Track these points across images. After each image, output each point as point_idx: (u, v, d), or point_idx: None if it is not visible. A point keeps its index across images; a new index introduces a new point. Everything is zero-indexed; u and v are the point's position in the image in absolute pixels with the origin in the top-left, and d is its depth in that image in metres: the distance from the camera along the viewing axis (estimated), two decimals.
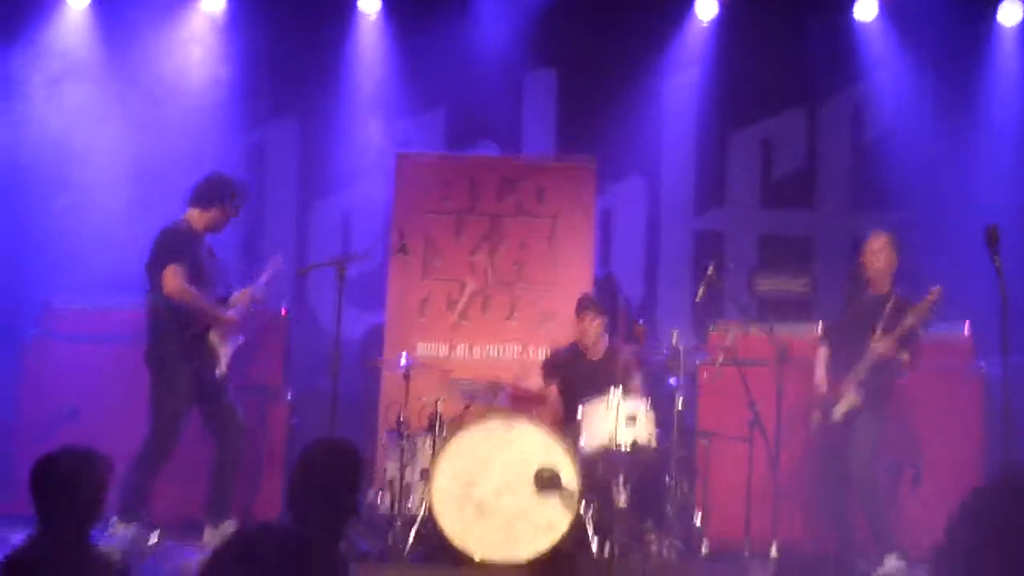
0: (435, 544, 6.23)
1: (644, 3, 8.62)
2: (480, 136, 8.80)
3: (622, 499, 6.23)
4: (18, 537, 3.60)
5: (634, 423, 6.33)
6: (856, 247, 7.69)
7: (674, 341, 6.61)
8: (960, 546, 1.77)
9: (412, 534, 6.25)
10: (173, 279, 6.43)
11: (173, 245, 6.51)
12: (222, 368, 6.57)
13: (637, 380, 6.94)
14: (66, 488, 3.56)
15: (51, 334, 7.59)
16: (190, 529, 6.63)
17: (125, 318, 7.43)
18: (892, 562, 6.25)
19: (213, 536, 6.40)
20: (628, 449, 6.28)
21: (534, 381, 7.25)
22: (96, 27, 8.51)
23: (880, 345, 6.40)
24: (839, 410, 6.48)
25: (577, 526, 6.16)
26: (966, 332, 7.30)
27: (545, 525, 6.17)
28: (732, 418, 6.72)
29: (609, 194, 8.66)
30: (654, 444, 6.39)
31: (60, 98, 8.31)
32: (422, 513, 6.32)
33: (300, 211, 8.87)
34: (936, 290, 6.32)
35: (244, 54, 8.60)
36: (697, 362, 7.08)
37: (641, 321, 7.27)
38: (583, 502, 6.20)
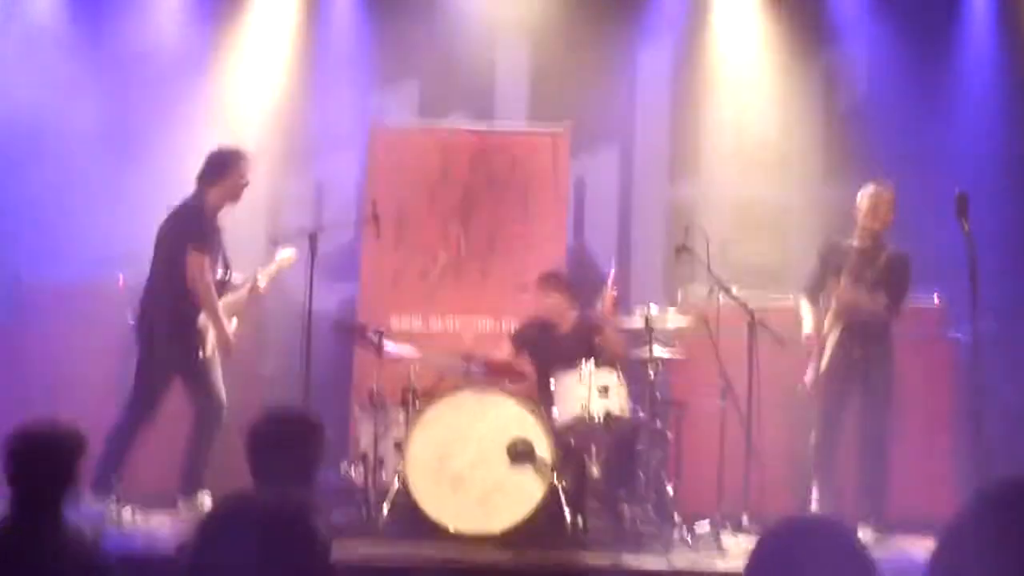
0: (409, 516, 6.24)
1: None
2: (453, 107, 8.75)
3: (595, 469, 6.25)
4: None
5: (607, 394, 6.35)
6: (829, 215, 7.75)
7: (647, 312, 6.61)
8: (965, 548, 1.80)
9: (386, 506, 6.27)
10: (197, 268, 6.48)
11: (200, 230, 6.54)
12: (206, 351, 6.55)
13: (619, 349, 6.93)
14: (39, 463, 3.55)
15: (23, 310, 7.53)
16: (163, 502, 6.62)
17: (98, 293, 7.40)
18: (868, 534, 6.30)
19: (187, 509, 6.41)
20: (601, 420, 6.30)
21: (504, 352, 7.25)
22: None
23: (848, 295, 6.56)
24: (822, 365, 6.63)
25: (551, 496, 6.18)
26: (936, 301, 7.35)
27: (519, 497, 6.19)
28: (704, 387, 6.75)
29: (582, 163, 8.63)
30: (627, 414, 6.41)
31: (33, 68, 8.22)
32: (396, 485, 6.33)
33: (272, 182, 8.80)
34: None
35: (216, 25, 8.53)
36: (669, 331, 7.08)
37: (614, 290, 7.25)
38: (557, 473, 6.22)
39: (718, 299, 6.96)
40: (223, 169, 6.70)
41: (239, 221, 7.14)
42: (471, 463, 6.28)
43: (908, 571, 5.02)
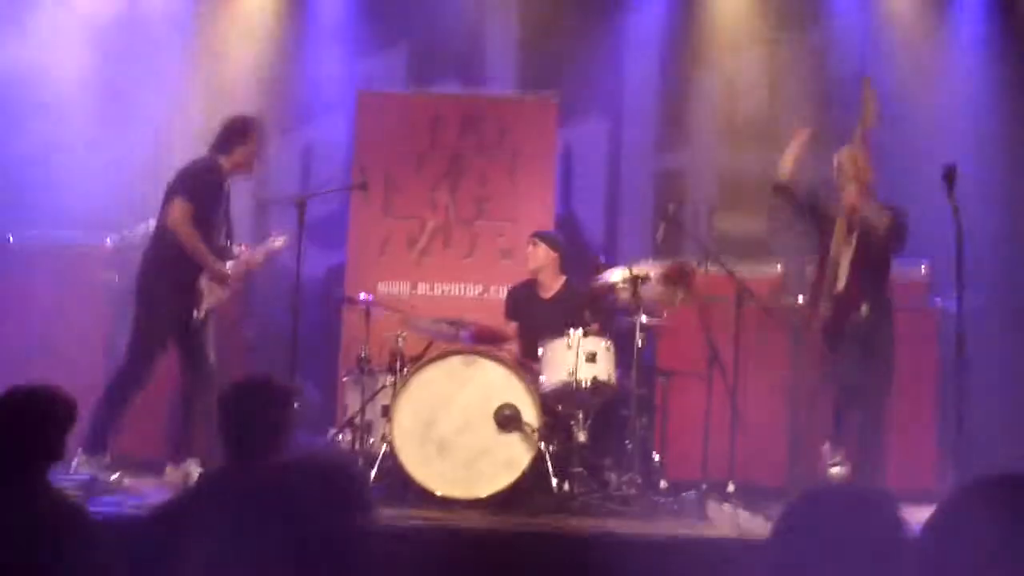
0: (396, 481, 6.26)
1: None
2: (441, 74, 8.73)
3: (582, 436, 6.28)
4: None
5: (594, 360, 6.37)
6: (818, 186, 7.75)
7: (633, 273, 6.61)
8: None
9: (373, 472, 6.28)
10: (178, 214, 6.41)
11: (194, 182, 6.49)
12: (200, 312, 6.54)
13: (602, 317, 6.95)
14: (27, 428, 3.54)
15: (9, 271, 7.52)
16: (150, 467, 6.63)
17: (86, 256, 7.40)
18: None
19: (174, 475, 6.42)
20: (588, 386, 6.32)
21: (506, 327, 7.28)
22: None
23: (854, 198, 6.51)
24: (842, 266, 6.56)
25: (537, 462, 6.21)
26: (923, 270, 7.39)
27: (506, 462, 6.22)
28: (691, 356, 6.78)
29: (570, 132, 8.62)
30: (614, 381, 6.44)
31: (17, 29, 8.15)
32: (383, 450, 6.34)
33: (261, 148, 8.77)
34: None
35: None
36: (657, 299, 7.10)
37: (602, 259, 7.27)
38: (543, 439, 6.24)
39: (705, 268, 6.97)
40: (239, 136, 6.63)
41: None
42: (458, 428, 6.30)
43: None
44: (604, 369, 6.38)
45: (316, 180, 8.44)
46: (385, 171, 8.02)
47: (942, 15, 8.52)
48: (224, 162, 6.61)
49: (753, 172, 8.66)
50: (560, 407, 6.44)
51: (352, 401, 6.71)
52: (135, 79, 8.12)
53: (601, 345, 6.43)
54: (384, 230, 8.07)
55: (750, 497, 6.28)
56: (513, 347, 7.09)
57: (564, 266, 7.25)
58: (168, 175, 6.64)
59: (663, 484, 6.48)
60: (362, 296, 6.90)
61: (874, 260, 6.59)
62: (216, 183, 6.57)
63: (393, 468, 6.27)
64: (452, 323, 6.82)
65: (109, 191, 7.57)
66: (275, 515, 2.14)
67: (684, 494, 6.37)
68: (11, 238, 7.61)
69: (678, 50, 8.68)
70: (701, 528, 5.90)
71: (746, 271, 7.15)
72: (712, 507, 6.26)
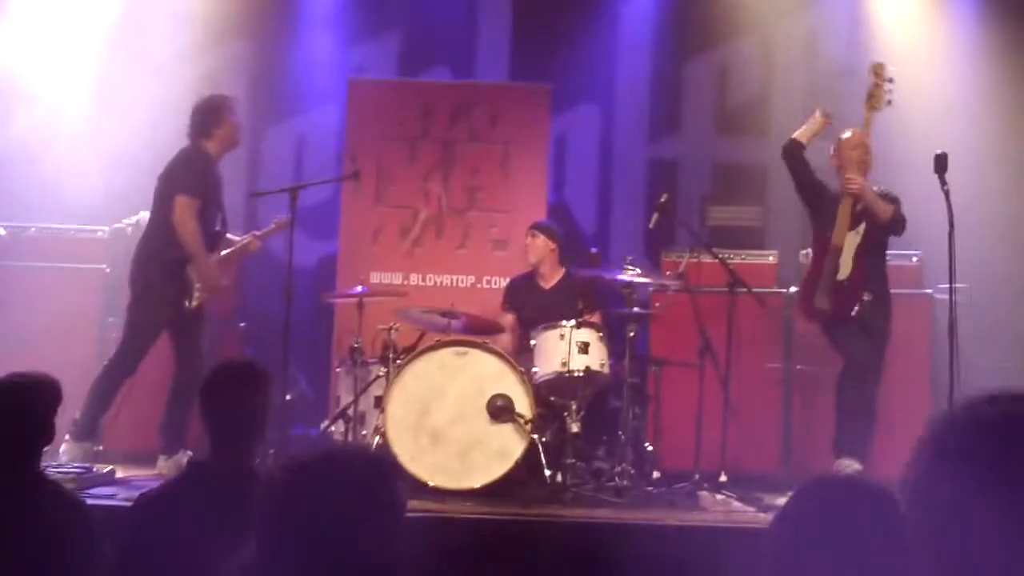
0: None
1: None
2: (433, 62, 8.71)
3: (575, 426, 6.28)
4: None
5: (587, 350, 6.37)
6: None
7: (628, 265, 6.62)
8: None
9: None
10: (182, 211, 6.44)
11: (194, 175, 6.51)
12: (192, 301, 6.54)
13: (597, 310, 6.96)
14: (12, 414, 3.54)
15: (4, 260, 7.51)
16: (142, 459, 6.63)
17: (80, 245, 7.40)
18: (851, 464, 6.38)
19: (167, 466, 6.42)
20: (581, 376, 6.33)
21: (508, 322, 7.28)
22: None
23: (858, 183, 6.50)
24: (847, 258, 6.55)
25: (530, 452, 6.21)
26: (915, 259, 7.40)
27: (499, 453, 6.22)
28: (684, 345, 6.78)
29: (563, 121, 8.61)
30: (607, 371, 6.44)
31: (12, 17, 8.13)
32: (376, 441, 6.34)
33: (252, 137, 8.75)
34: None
35: None
36: (649, 289, 7.11)
37: (594, 249, 7.27)
38: (536, 429, 6.24)
39: (698, 257, 6.97)
40: (214, 117, 6.63)
41: (220, 176, 7.08)
42: (451, 419, 6.30)
43: None
44: (597, 359, 6.39)
45: (308, 169, 8.42)
46: (377, 159, 8.01)
47: (935, 3, 8.50)
48: (210, 147, 6.62)
49: (745, 161, 8.68)
50: (553, 398, 6.44)
51: (345, 392, 6.71)
52: (127, 71, 8.09)
53: (594, 335, 6.44)
54: (376, 219, 8.05)
55: (743, 487, 6.29)
56: (505, 339, 7.08)
57: (563, 257, 7.24)
58: (160, 168, 6.64)
59: (656, 474, 6.48)
60: (358, 288, 6.88)
61: (876, 249, 6.61)
62: (209, 170, 6.61)
63: None
64: (444, 314, 6.81)
65: (102, 184, 7.55)
66: (309, 514, 2.12)
67: (677, 484, 6.38)
68: (2, 231, 7.58)
69: (670, 39, 8.66)
70: (694, 517, 5.91)
71: (738, 260, 7.17)
72: (705, 497, 6.27)
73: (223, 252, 6.78)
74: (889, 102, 6.60)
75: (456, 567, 4.93)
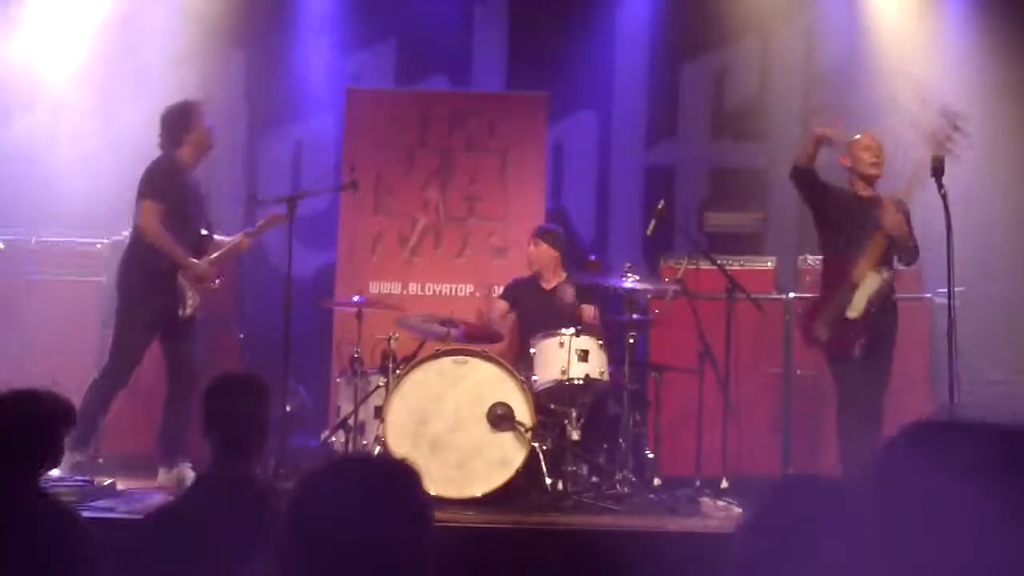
0: None
1: None
2: (430, 70, 8.72)
3: (575, 433, 6.28)
4: None
5: (586, 358, 6.38)
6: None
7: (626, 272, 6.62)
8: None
9: None
10: (146, 216, 6.45)
11: (156, 181, 6.50)
12: (186, 310, 6.53)
13: (595, 315, 6.96)
14: (19, 431, 3.53)
15: (5, 271, 7.51)
16: (144, 470, 6.62)
17: (79, 256, 7.41)
18: None
19: (167, 477, 6.41)
20: (581, 383, 6.33)
21: (497, 308, 7.28)
22: None
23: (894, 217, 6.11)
24: (861, 298, 6.14)
25: (531, 460, 6.21)
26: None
27: (499, 461, 6.22)
28: (683, 351, 6.78)
29: (560, 128, 8.62)
30: (607, 378, 6.44)
31: (12, 24, 8.13)
32: (376, 451, 6.34)
33: (250, 147, 8.76)
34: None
35: None
36: (648, 295, 7.10)
37: (593, 255, 7.28)
38: (536, 437, 6.24)
39: (696, 263, 6.98)
40: (183, 124, 6.62)
41: (218, 184, 7.11)
42: (451, 428, 6.30)
43: None
44: (597, 367, 6.39)
45: (306, 178, 8.42)
46: (375, 168, 8.01)
47: (931, 4, 8.50)
48: (180, 155, 6.62)
49: (743, 166, 8.68)
50: (553, 405, 6.45)
51: (345, 402, 6.71)
52: (124, 81, 8.09)
53: (594, 343, 6.44)
54: (375, 228, 8.06)
55: (744, 492, 6.28)
56: (504, 347, 7.08)
57: (566, 264, 7.23)
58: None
59: (657, 481, 6.48)
60: (355, 299, 6.88)
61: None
62: (177, 178, 6.56)
63: None
64: (443, 322, 6.81)
65: (100, 193, 7.55)
66: (329, 526, 2.11)
67: (678, 491, 6.37)
68: (1, 244, 7.58)
69: (666, 44, 8.67)
70: (695, 524, 5.90)
71: (737, 266, 7.17)
72: (706, 503, 6.26)
73: (213, 255, 6.73)
74: (951, 151, 5.99)
75: None
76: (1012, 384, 7.45)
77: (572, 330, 6.41)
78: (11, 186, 7.83)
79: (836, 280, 6.25)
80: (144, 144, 7.20)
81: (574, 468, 6.24)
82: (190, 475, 6.31)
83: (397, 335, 6.68)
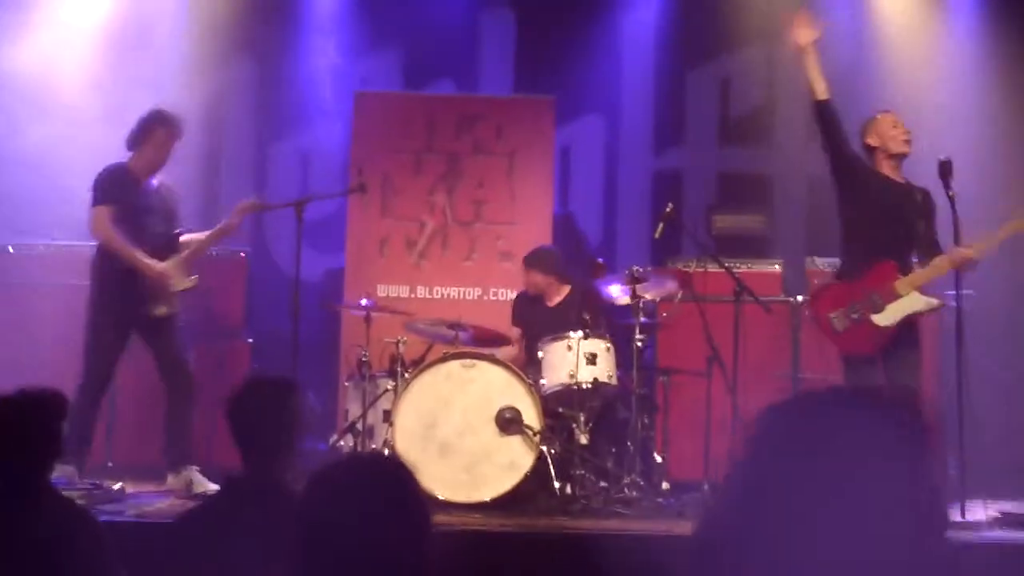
0: None
1: None
2: (438, 75, 8.74)
3: (583, 437, 6.28)
4: None
5: (595, 361, 6.37)
6: (813, 184, 7.74)
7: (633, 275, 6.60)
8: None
9: None
10: (95, 220, 6.51)
11: (104, 186, 6.53)
12: (161, 308, 6.51)
13: (601, 320, 6.96)
14: (19, 430, 3.54)
15: (6, 277, 7.52)
16: (153, 478, 6.62)
17: (86, 260, 7.42)
18: None
19: (175, 482, 6.40)
20: (589, 387, 6.32)
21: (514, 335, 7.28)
22: None
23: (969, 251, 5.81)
24: (897, 311, 5.86)
25: (539, 464, 6.21)
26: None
27: (508, 464, 6.22)
28: (691, 354, 6.77)
29: (568, 132, 8.63)
30: (615, 382, 6.44)
31: (21, 31, 8.15)
32: (384, 454, 6.34)
33: (258, 152, 8.78)
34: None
35: None
36: (656, 299, 7.10)
37: (600, 259, 7.28)
38: (545, 440, 6.24)
39: (704, 267, 6.97)
40: (144, 132, 6.61)
41: (225, 189, 7.11)
42: (459, 431, 6.30)
43: None
44: (605, 370, 6.39)
45: (314, 182, 8.44)
46: (383, 172, 8.03)
47: (937, 7, 8.50)
48: (132, 161, 6.62)
49: (750, 170, 8.68)
50: (561, 409, 6.44)
51: (353, 406, 6.71)
52: (132, 88, 8.10)
53: (601, 346, 6.44)
54: (383, 231, 8.07)
55: None
56: (512, 350, 7.08)
57: (566, 277, 7.21)
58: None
59: (665, 485, 6.47)
60: (363, 302, 6.88)
61: None
62: (125, 182, 6.55)
63: None
64: (451, 326, 6.81)
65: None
66: (334, 526, 2.11)
67: (686, 495, 6.37)
68: (11, 248, 7.60)
69: (674, 49, 8.67)
70: None
71: (744, 269, 7.17)
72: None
73: (183, 253, 6.69)
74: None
75: None
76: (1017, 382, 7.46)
77: (580, 333, 6.41)
78: (21, 192, 7.86)
79: (862, 263, 5.94)
80: None
81: (582, 472, 6.24)
82: (198, 478, 6.32)
83: (405, 339, 6.69)
